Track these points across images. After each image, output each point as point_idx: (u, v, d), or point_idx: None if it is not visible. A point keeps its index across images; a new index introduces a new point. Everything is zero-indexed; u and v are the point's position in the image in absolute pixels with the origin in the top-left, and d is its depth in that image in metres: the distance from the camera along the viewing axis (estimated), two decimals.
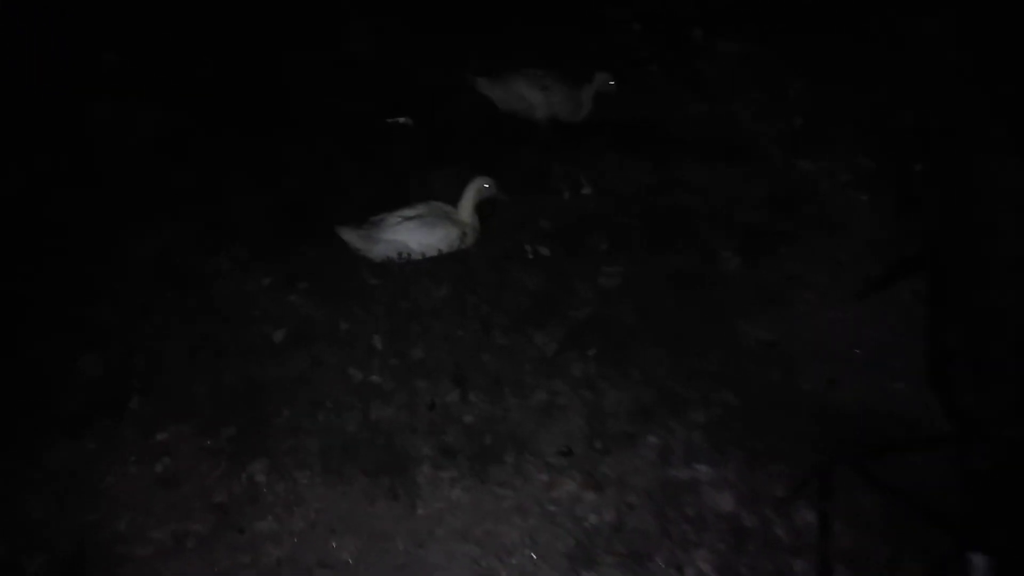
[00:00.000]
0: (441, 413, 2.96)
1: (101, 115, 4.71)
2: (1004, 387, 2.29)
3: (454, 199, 3.79)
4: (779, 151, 4.71)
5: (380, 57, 5.45)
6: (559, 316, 3.43)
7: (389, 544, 2.55)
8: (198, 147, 4.49)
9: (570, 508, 2.66)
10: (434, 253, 3.70)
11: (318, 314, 3.41)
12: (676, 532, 2.59)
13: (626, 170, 4.48)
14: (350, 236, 3.63)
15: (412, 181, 4.33)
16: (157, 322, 3.36)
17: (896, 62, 5.63)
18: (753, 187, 4.35)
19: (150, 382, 3.07)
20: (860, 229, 4.03)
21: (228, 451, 2.82)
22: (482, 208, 3.80)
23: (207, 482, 2.74)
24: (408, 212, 3.70)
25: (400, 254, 3.64)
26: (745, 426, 2.94)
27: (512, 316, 3.43)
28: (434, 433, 2.88)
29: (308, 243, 3.81)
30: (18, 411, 2.99)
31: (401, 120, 4.75)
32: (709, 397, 3.06)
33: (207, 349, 3.22)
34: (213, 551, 2.55)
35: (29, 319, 3.40)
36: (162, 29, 5.51)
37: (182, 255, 3.73)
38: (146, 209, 3.96)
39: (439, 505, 2.67)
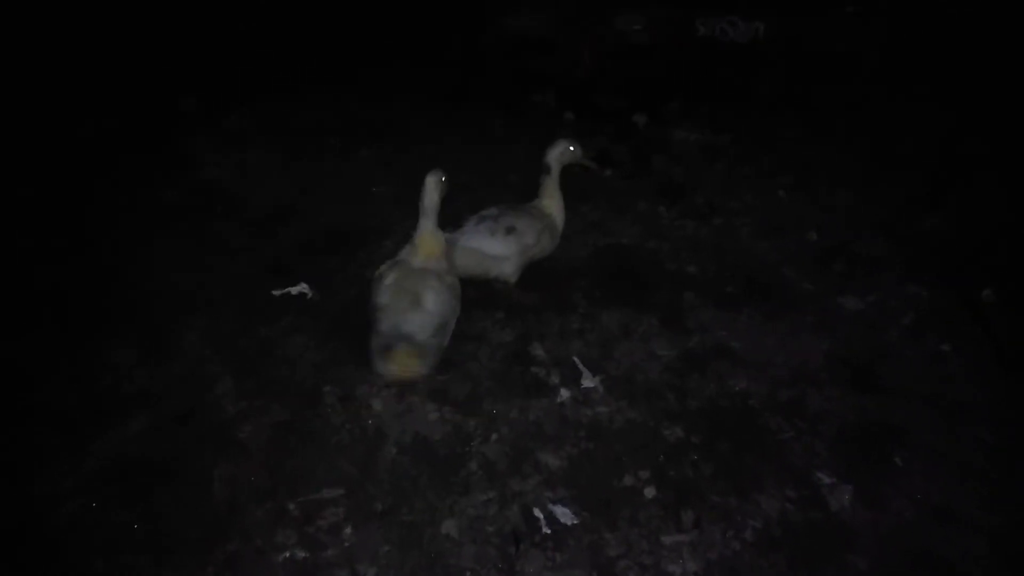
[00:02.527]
0: None
1: None
2: None
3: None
4: (810, 284, 3.56)
5: (255, 186, 3.87)
6: None
7: None
8: None
9: None
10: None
11: None
12: None
13: (633, 338, 3.14)
14: None
15: (323, 390, 2.79)
16: None
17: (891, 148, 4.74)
18: (808, 346, 3.14)
19: None
20: (980, 403, 2.88)
21: None
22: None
23: None
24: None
25: None
26: None
27: None
28: None
29: None
30: None
31: (295, 290, 3.18)
32: None
33: None
34: None
35: None
36: None
37: None
38: None
39: None
